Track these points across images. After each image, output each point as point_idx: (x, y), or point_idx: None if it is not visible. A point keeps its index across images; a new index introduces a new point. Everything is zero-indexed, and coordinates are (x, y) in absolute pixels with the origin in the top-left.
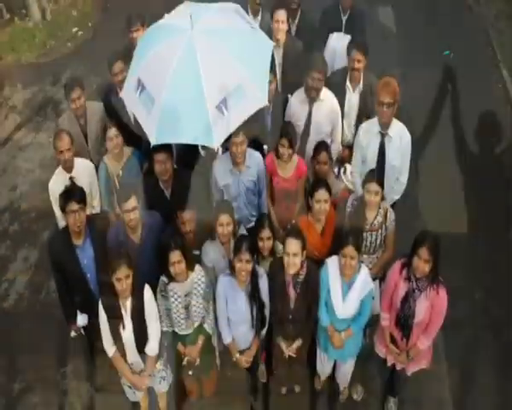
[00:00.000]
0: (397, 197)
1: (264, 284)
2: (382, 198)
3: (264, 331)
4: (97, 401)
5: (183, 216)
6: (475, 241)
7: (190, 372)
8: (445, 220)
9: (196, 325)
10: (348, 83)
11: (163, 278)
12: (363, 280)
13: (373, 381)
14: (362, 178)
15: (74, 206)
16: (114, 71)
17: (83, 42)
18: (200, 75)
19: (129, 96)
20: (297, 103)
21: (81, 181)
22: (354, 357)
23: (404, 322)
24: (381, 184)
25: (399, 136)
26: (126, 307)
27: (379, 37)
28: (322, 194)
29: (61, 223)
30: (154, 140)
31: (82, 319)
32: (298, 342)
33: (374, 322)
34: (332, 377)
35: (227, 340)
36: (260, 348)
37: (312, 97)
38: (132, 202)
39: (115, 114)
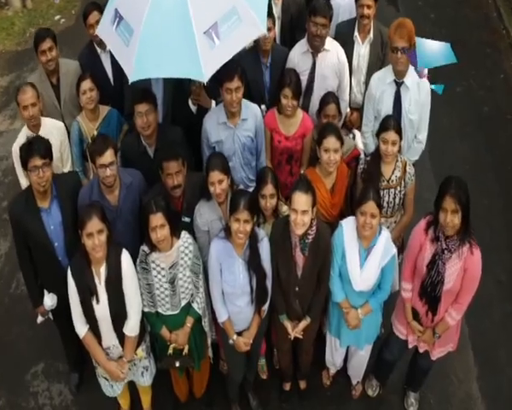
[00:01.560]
0: (414, 159)
1: (265, 248)
2: (400, 150)
3: (265, 307)
4: (73, 402)
5: (168, 167)
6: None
7: (177, 364)
8: None
9: (184, 303)
10: (356, 33)
11: (143, 248)
12: (385, 244)
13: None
14: (375, 139)
15: (37, 161)
16: (90, 22)
17: (65, 29)
18: None
19: (105, 32)
20: (299, 55)
21: (51, 142)
22: (371, 343)
23: (431, 291)
24: (399, 133)
25: (417, 85)
26: (100, 274)
27: None
28: (331, 142)
29: (23, 181)
30: (132, 76)
31: (50, 300)
32: (305, 322)
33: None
34: (342, 371)
35: (222, 318)
36: (262, 328)
37: (316, 46)
38: (109, 155)
39: (93, 74)
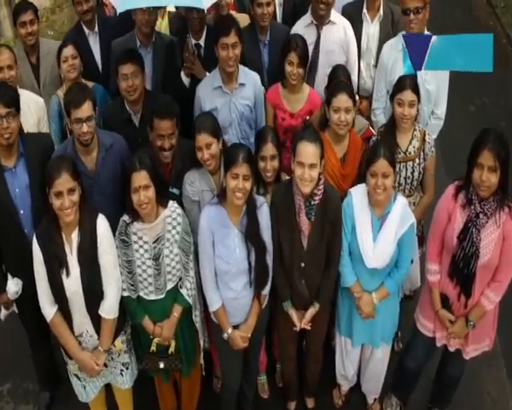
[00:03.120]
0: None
1: (264, 216)
2: (417, 118)
3: (266, 292)
4: None
5: (160, 126)
6: None
7: (161, 365)
8: None
9: (170, 287)
10: (365, 10)
11: (124, 218)
12: (401, 212)
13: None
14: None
15: (1, 109)
16: None
17: None
18: None
19: None
20: (302, 29)
21: (26, 117)
22: (389, 342)
23: (464, 267)
24: (417, 93)
25: None
26: (71, 242)
27: None
28: (342, 100)
29: None
30: (120, 6)
31: (14, 285)
32: (314, 309)
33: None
34: (356, 388)
35: (214, 305)
36: (262, 322)
37: (321, 16)
38: (86, 108)
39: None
